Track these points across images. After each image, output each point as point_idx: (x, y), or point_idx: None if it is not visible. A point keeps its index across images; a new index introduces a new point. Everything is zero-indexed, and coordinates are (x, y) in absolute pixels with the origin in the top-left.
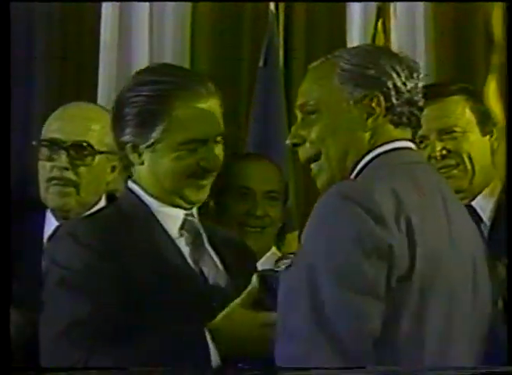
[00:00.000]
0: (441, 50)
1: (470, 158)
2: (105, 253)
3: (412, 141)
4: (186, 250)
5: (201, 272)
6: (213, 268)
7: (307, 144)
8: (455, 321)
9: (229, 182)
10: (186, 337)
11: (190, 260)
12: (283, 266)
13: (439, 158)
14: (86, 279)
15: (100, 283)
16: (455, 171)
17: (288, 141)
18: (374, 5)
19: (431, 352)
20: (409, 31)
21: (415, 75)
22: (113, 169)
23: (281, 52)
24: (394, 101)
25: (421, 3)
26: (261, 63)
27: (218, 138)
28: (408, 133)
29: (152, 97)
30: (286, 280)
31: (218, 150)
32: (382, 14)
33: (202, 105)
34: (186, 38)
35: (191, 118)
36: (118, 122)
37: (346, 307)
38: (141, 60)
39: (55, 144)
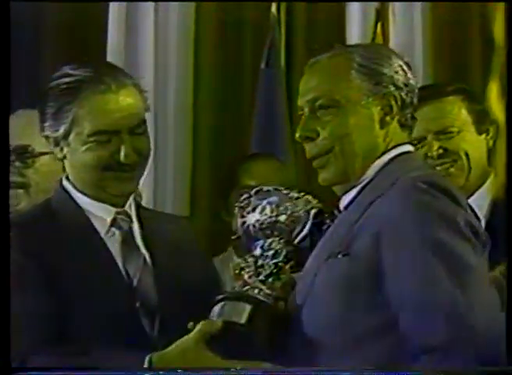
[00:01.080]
0: (439, 51)
1: (467, 156)
2: (31, 254)
3: (411, 143)
4: (114, 249)
5: (127, 271)
6: (140, 267)
7: (320, 139)
8: None
9: (236, 182)
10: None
11: (117, 259)
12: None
13: (435, 157)
14: (15, 277)
15: (28, 283)
16: (452, 169)
17: (298, 135)
18: (373, 7)
19: None
20: (407, 33)
21: (414, 76)
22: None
23: (282, 54)
24: (407, 100)
25: (419, 4)
26: (263, 65)
27: (139, 130)
28: (407, 135)
29: (64, 89)
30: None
31: (139, 142)
32: (380, 16)
33: (111, 98)
34: (190, 39)
35: (98, 109)
36: (41, 116)
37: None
38: (147, 60)
39: None
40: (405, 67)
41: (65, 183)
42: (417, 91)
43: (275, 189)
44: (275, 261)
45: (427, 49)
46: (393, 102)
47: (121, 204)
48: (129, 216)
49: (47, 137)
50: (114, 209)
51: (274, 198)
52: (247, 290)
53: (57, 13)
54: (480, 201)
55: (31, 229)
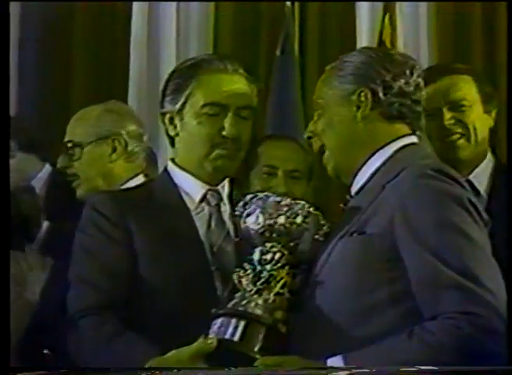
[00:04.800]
0: (443, 41)
1: (475, 129)
2: (116, 222)
3: (415, 134)
4: (200, 221)
5: (209, 240)
6: (222, 238)
7: (316, 138)
8: None
9: (254, 161)
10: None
11: (201, 229)
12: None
13: (448, 126)
14: (96, 243)
15: (108, 249)
16: (461, 141)
17: (305, 136)
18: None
19: None
20: (414, 24)
21: (408, 71)
22: (114, 149)
23: (296, 43)
24: (381, 95)
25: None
26: (278, 52)
27: (245, 113)
28: (406, 128)
29: (187, 67)
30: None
31: (242, 125)
32: (388, 10)
33: (225, 77)
34: (209, 30)
35: (213, 84)
36: (162, 97)
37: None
38: (169, 51)
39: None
40: (389, 66)
41: (169, 165)
42: (410, 84)
43: (270, 195)
44: (272, 266)
45: (431, 39)
46: (363, 98)
47: (215, 183)
48: (219, 194)
49: (164, 114)
50: (207, 186)
51: (271, 203)
52: (245, 304)
53: (86, 10)
54: (480, 178)
55: (127, 205)
